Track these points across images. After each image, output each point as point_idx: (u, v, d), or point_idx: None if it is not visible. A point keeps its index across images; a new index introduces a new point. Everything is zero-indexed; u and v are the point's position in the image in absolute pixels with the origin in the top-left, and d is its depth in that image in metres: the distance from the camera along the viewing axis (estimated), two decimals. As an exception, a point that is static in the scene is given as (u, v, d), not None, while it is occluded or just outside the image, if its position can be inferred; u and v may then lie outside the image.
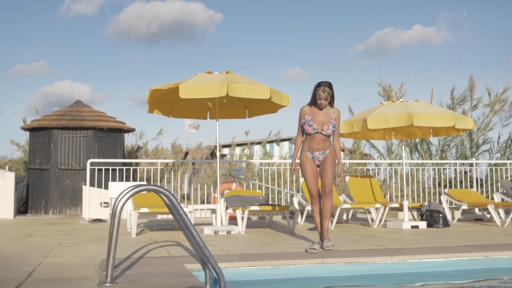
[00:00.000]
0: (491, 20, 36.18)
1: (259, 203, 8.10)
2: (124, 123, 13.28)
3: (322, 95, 5.46)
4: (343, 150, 17.71)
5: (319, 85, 5.50)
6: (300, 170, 5.74)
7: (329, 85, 5.49)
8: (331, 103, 5.58)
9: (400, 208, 9.00)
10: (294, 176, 5.90)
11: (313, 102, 5.57)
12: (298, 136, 5.72)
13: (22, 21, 36.55)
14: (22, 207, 12.70)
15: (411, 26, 41.58)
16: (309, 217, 10.79)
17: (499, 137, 14.89)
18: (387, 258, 4.70)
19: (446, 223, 8.52)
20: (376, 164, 14.30)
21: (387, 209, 8.81)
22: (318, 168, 5.64)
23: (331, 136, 5.62)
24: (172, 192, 4.89)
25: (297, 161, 5.81)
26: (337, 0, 37.76)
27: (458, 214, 9.56)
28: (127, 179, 13.00)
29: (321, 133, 5.52)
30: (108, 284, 3.33)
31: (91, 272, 3.91)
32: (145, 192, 9.78)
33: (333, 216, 9.27)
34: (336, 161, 5.66)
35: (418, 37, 39.48)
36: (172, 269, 3.98)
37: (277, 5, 38.81)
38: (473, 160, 12.52)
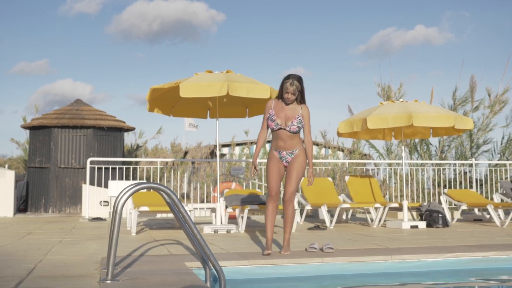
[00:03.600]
0: (494, 21, 36.22)
1: (259, 202, 8.11)
2: (124, 122, 13.29)
3: (289, 88, 4.97)
4: (342, 150, 17.71)
5: (287, 77, 5.01)
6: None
7: (299, 79, 5.02)
8: (300, 99, 5.08)
9: (400, 208, 9.01)
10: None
11: (280, 96, 5.10)
12: (261, 132, 5.22)
13: (24, 20, 36.58)
14: (22, 205, 12.70)
15: (413, 26, 41.64)
16: (309, 217, 10.81)
17: (503, 137, 14.92)
18: (387, 257, 4.71)
19: (445, 223, 8.53)
20: (375, 164, 14.32)
21: (386, 209, 8.82)
22: (286, 170, 5.16)
23: (299, 134, 5.13)
24: (173, 191, 4.89)
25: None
26: (339, 0, 37.80)
27: (457, 214, 9.57)
28: (127, 178, 13.00)
29: (284, 129, 5.03)
30: (109, 282, 3.34)
31: (92, 269, 3.92)
32: (145, 190, 9.78)
33: (332, 216, 9.28)
34: (307, 161, 5.14)
35: (420, 38, 39.53)
36: (172, 267, 3.99)
37: (279, 5, 38.84)
38: (473, 161, 12.54)
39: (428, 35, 40.07)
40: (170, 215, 10.80)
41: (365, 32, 41.75)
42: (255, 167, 5.23)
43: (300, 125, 5.05)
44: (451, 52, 37.05)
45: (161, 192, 3.58)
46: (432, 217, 8.59)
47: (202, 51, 41.01)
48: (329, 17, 39.48)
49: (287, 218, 5.02)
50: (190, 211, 7.80)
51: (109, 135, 12.72)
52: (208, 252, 3.60)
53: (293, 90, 4.97)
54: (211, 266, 3.66)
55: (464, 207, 9.26)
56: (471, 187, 12.99)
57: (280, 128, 5.04)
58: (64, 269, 3.93)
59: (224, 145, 20.74)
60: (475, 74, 15.42)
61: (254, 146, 20.30)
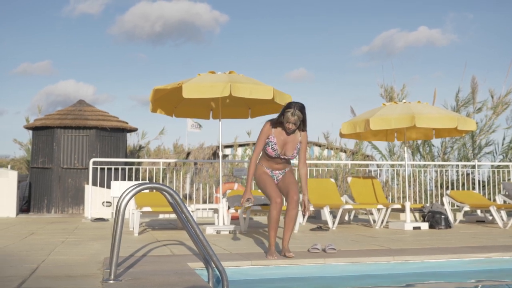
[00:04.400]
0: (497, 23, 36.21)
1: (261, 203, 8.11)
2: (127, 123, 13.30)
3: (291, 118, 4.76)
4: (344, 151, 17.71)
5: (289, 106, 4.79)
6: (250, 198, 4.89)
7: (301, 108, 4.78)
8: (301, 127, 4.90)
9: (402, 209, 9.00)
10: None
11: (280, 122, 4.88)
12: (255, 154, 4.94)
13: (27, 20, 36.68)
14: (25, 206, 12.73)
15: (416, 27, 41.63)
16: (311, 218, 10.80)
17: (504, 138, 14.90)
18: (389, 258, 4.71)
19: (448, 225, 8.52)
20: (378, 165, 14.31)
21: (389, 210, 8.81)
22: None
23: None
24: (175, 191, 4.88)
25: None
26: (342, 1, 37.81)
27: (460, 216, 9.56)
28: (129, 179, 13.02)
29: (284, 158, 4.94)
30: (111, 282, 3.34)
31: (95, 269, 3.93)
32: (148, 191, 9.79)
33: (334, 217, 9.27)
34: (299, 184, 4.89)
35: (423, 39, 39.52)
36: (175, 267, 3.99)
37: (282, 6, 38.87)
38: (475, 162, 12.52)
39: (431, 36, 40.09)
40: (173, 215, 10.80)
41: (368, 33, 41.80)
42: (248, 198, 4.85)
43: (298, 151, 4.95)
44: (454, 53, 37.06)
45: (164, 192, 3.59)
46: (434, 218, 8.58)
47: (205, 52, 41.10)
48: (332, 18, 39.53)
49: (291, 218, 4.82)
50: (192, 211, 7.80)
51: (112, 136, 12.73)
52: (211, 252, 3.60)
53: (294, 120, 4.78)
54: (214, 266, 3.67)
55: (466, 208, 9.24)
56: (473, 188, 12.97)
57: (279, 157, 4.93)
58: (66, 269, 3.94)
59: (226, 146, 20.75)
60: (477, 76, 15.41)
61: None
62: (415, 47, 40.38)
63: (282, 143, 4.90)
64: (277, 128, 4.92)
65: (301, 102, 4.85)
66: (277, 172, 5.02)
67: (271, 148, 4.89)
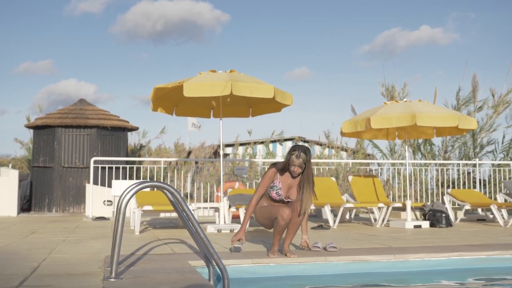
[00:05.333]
0: (499, 22, 36.19)
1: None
2: (128, 122, 13.31)
3: (296, 161, 4.71)
4: (345, 150, 17.70)
5: (293, 149, 4.76)
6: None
7: (305, 150, 4.76)
8: (306, 170, 4.82)
9: (403, 208, 9.00)
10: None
11: (286, 167, 4.83)
12: (256, 196, 4.86)
13: (28, 20, 36.70)
14: (26, 205, 12.74)
15: (418, 26, 41.62)
16: (312, 216, 10.80)
17: (504, 137, 14.90)
18: (390, 256, 4.71)
19: (449, 223, 8.52)
20: (379, 164, 14.31)
21: (390, 208, 8.82)
22: None
23: None
24: (176, 190, 4.89)
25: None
26: (344, 0, 37.81)
27: (461, 214, 9.56)
28: (130, 178, 13.02)
29: (288, 200, 4.89)
30: (112, 280, 3.35)
31: (96, 268, 3.93)
32: (149, 189, 9.79)
33: (335, 215, 9.28)
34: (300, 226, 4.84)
35: (425, 38, 39.50)
36: (176, 265, 3.99)
37: (284, 6, 38.86)
38: (476, 161, 12.51)
39: (433, 35, 40.05)
40: (174, 214, 10.81)
41: (370, 32, 41.77)
42: (240, 238, 4.83)
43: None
44: (455, 52, 37.03)
45: (165, 190, 3.59)
46: (435, 217, 8.58)
47: (206, 51, 41.09)
48: (334, 17, 39.52)
49: (295, 224, 4.75)
50: (193, 210, 7.81)
51: (113, 135, 12.74)
52: (212, 250, 3.60)
53: (299, 163, 4.72)
54: (215, 264, 3.67)
55: (467, 207, 9.24)
56: (474, 187, 12.97)
57: (283, 201, 4.88)
58: (68, 268, 3.95)
59: (227, 145, 20.75)
60: (478, 75, 15.37)
61: (257, 146, 20.32)
62: (416, 46, 40.36)
63: (287, 188, 4.86)
64: (282, 174, 4.88)
65: (305, 145, 4.86)
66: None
67: (276, 193, 4.85)
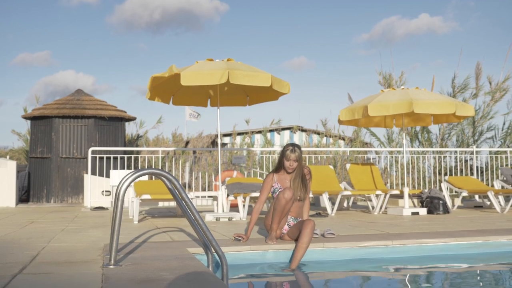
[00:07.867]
0: (498, 10, 36.11)
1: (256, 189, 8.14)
2: (125, 112, 13.30)
3: (291, 155, 4.80)
4: (343, 139, 17.72)
5: (287, 146, 4.87)
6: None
7: (298, 146, 4.86)
8: (300, 166, 4.89)
9: (401, 195, 9.04)
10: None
11: (281, 167, 4.93)
12: (258, 203, 4.87)
13: (25, 11, 36.51)
14: (24, 195, 12.75)
15: (417, 15, 41.49)
16: (310, 204, 10.84)
17: (504, 123, 14.93)
18: (388, 242, 4.74)
19: (446, 210, 8.56)
20: (376, 152, 14.34)
21: (387, 196, 8.84)
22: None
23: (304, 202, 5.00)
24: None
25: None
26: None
27: (458, 201, 9.60)
28: (128, 168, 13.04)
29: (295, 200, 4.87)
30: (111, 267, 3.36)
31: (95, 255, 3.95)
32: (147, 177, 9.79)
33: (333, 203, 9.31)
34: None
35: (424, 27, 39.41)
36: (175, 253, 4.01)
37: (282, -5, 38.72)
38: (474, 148, 12.55)
39: (432, 24, 39.97)
40: (172, 203, 10.83)
41: (368, 20, 41.65)
42: (243, 236, 4.79)
43: (306, 190, 4.93)
44: (454, 41, 36.96)
45: (163, 178, 3.60)
46: (433, 204, 8.62)
47: (204, 41, 40.97)
48: (332, 6, 39.38)
49: (287, 209, 4.72)
50: (192, 199, 7.82)
51: (110, 125, 12.73)
52: (210, 237, 3.62)
53: (295, 157, 4.81)
54: (213, 251, 3.69)
55: (464, 194, 9.28)
56: (471, 174, 13.01)
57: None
58: (67, 256, 3.96)
59: (225, 135, 20.76)
60: (479, 62, 15.41)
61: (255, 135, 20.31)
62: (416, 35, 40.28)
63: (287, 185, 4.93)
64: (279, 175, 4.96)
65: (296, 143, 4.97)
66: (289, 217, 4.87)
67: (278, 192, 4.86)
